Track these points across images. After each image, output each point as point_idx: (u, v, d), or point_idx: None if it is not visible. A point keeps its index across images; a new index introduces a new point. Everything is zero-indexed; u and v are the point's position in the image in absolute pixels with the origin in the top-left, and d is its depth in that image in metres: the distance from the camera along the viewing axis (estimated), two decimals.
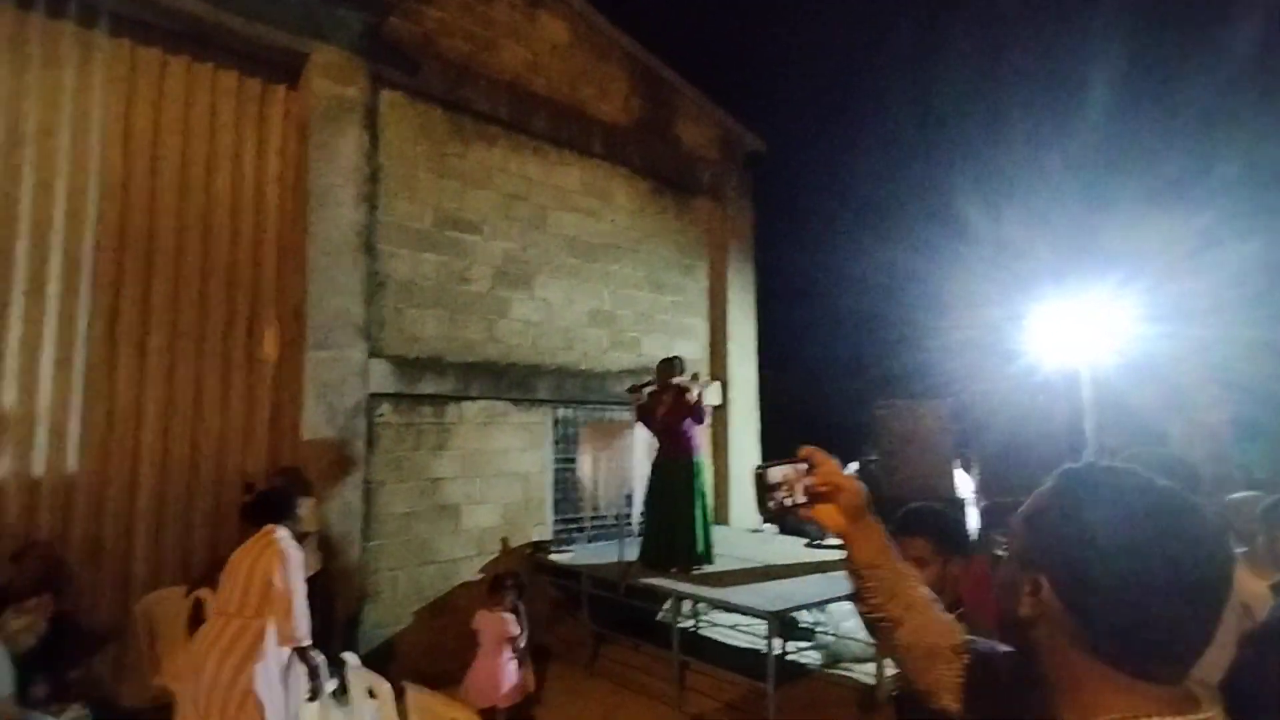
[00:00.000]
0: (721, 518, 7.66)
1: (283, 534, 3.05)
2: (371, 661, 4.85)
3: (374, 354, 5.28)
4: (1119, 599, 0.75)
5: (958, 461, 5.73)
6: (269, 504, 3.28)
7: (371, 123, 5.43)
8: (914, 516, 2.15)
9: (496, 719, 4.26)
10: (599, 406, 6.86)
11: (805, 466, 1.16)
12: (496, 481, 6.01)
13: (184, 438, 4.73)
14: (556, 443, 6.51)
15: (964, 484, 5.92)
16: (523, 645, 4.49)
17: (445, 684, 5.12)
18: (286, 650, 3.13)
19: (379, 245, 5.42)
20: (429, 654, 5.39)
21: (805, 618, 5.89)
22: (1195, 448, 7.64)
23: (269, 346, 5.05)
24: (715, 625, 6.10)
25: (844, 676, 5.26)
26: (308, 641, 3.05)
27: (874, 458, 5.41)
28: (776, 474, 1.15)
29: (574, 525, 6.57)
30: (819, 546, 6.96)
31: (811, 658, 5.63)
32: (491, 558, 5.90)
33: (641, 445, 5.34)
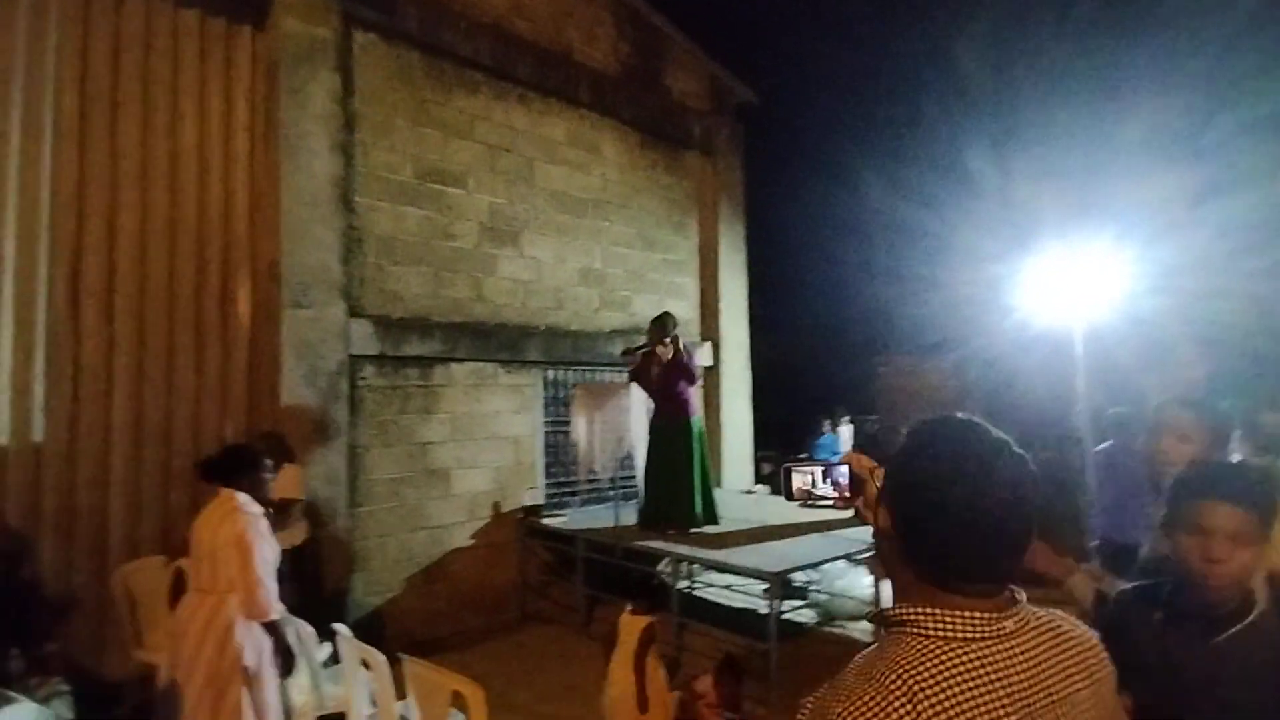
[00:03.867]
0: (714, 479, 7.59)
1: (242, 500, 2.83)
2: (362, 631, 4.72)
3: (355, 314, 5.04)
4: (929, 529, 0.90)
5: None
6: (228, 461, 3.00)
7: (345, 66, 5.10)
8: None
9: None
10: (591, 368, 6.69)
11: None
12: (487, 445, 5.85)
13: (157, 402, 4.50)
14: (548, 405, 6.35)
15: None
16: None
17: (440, 651, 5.05)
18: None
19: (357, 198, 5.14)
20: (423, 622, 5.30)
21: (799, 577, 5.87)
22: None
23: (243, 305, 4.79)
24: (710, 586, 6.06)
25: (839, 634, 5.25)
26: (275, 615, 2.85)
27: (875, 419, 5.31)
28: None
29: (567, 489, 6.45)
30: (812, 506, 6.92)
31: (806, 616, 5.62)
32: (483, 523, 5.77)
33: (639, 406, 5.19)
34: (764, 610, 4.61)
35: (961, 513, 0.87)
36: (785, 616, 5.44)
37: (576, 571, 5.49)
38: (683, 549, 4.93)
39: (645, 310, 6.91)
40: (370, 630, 4.83)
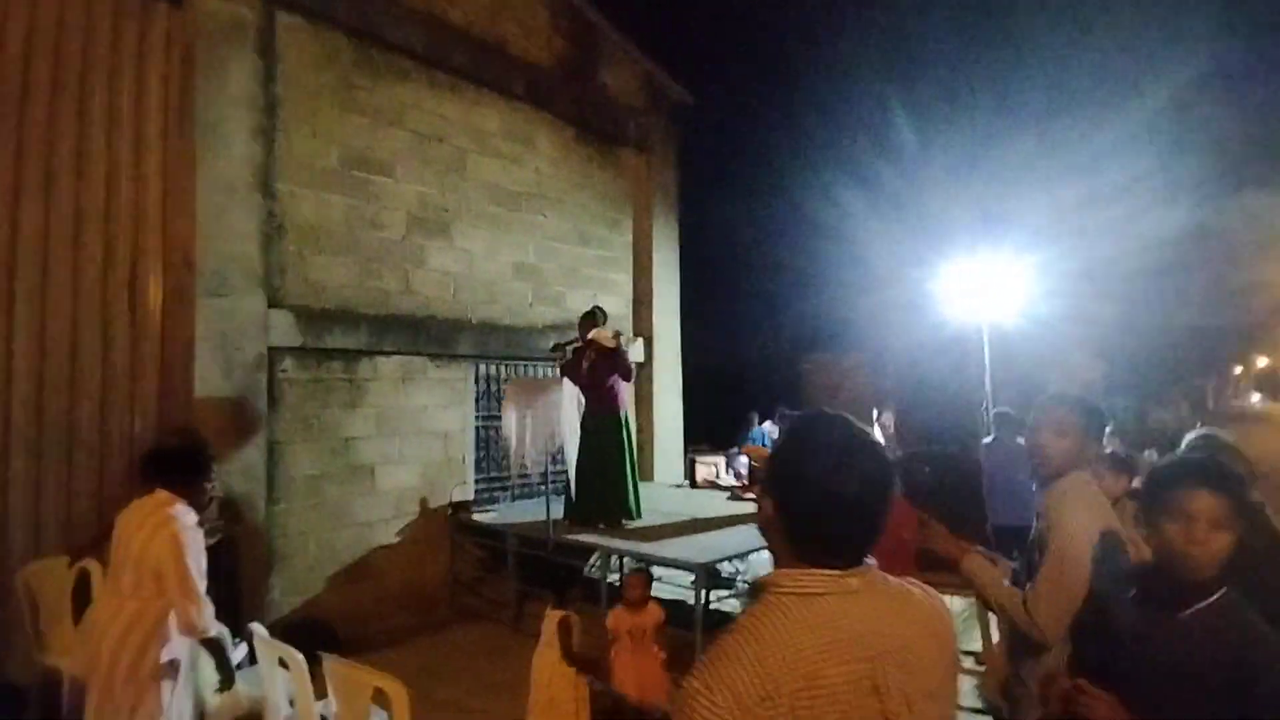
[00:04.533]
0: (646, 474, 7.68)
1: (179, 509, 2.65)
2: (282, 631, 4.60)
3: (275, 304, 4.87)
4: (800, 512, 1.03)
5: (877, 413, 5.93)
6: (178, 462, 2.72)
7: (267, 48, 4.90)
8: None
9: None
10: (525, 362, 6.67)
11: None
12: (415, 440, 5.75)
13: (60, 394, 4.23)
14: (479, 399, 6.29)
15: (883, 434, 6.15)
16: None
17: (366, 650, 4.94)
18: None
19: (278, 184, 4.95)
20: (348, 620, 5.17)
21: (727, 567, 6.02)
22: None
23: (154, 294, 4.55)
24: None
25: None
26: (213, 631, 2.69)
27: (798, 414, 5.52)
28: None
29: (498, 484, 6.41)
30: (740, 499, 7.12)
31: (732, 605, 5.77)
32: (411, 519, 5.68)
33: (570, 401, 5.21)
34: (692, 601, 4.71)
35: (826, 497, 1.00)
36: (713, 606, 5.58)
37: (507, 567, 5.47)
38: (614, 542, 4.98)
39: (579, 306, 6.91)
40: (290, 630, 4.68)
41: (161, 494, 2.67)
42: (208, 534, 4.10)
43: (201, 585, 2.66)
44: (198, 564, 2.64)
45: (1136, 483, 3.88)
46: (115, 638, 2.57)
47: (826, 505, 1.00)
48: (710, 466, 7.60)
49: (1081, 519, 1.85)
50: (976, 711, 3.93)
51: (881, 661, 0.97)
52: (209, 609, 2.68)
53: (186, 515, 2.67)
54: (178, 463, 2.75)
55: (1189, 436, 2.77)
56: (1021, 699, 1.98)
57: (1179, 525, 1.48)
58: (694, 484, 7.26)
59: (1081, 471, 1.95)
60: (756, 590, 1.05)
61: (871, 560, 1.05)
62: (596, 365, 5.35)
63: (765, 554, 5.91)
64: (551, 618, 3.39)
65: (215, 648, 2.76)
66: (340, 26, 5.33)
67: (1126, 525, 3.12)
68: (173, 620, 2.63)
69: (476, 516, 5.80)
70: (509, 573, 5.44)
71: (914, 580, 1.12)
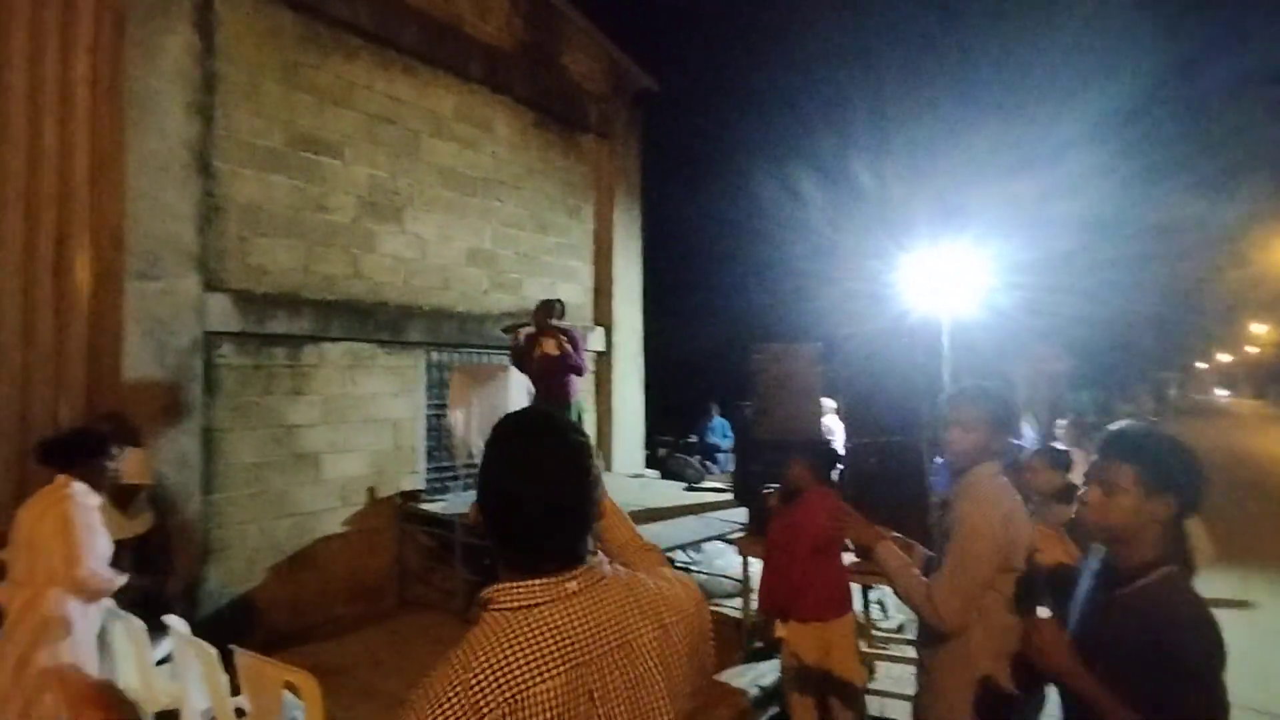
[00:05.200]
0: (604, 464, 7.65)
1: (77, 489, 2.59)
2: (219, 622, 4.50)
3: (212, 287, 4.71)
4: (499, 520, 0.99)
5: (828, 404, 5.94)
6: (69, 444, 2.76)
7: (205, 21, 4.72)
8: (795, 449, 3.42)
9: None
10: (479, 351, 6.56)
11: None
12: (363, 428, 5.64)
13: None
14: (431, 388, 6.18)
15: (834, 425, 6.17)
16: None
17: (309, 641, 4.86)
18: (96, 613, 2.76)
19: (216, 163, 4.78)
20: (290, 612, 5.07)
21: (681, 556, 6.02)
22: (1037, 393, 8.38)
23: (81, 275, 4.38)
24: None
25: (716, 613, 5.43)
26: (110, 583, 2.66)
27: (748, 405, 5.51)
28: None
29: (449, 474, 6.32)
30: (696, 489, 7.12)
31: None
32: (358, 509, 5.57)
33: (517, 390, 5.14)
34: None
35: (509, 498, 0.98)
36: None
37: (456, 556, 5.40)
38: None
39: (537, 293, 6.84)
40: (229, 622, 4.58)
41: (60, 478, 2.63)
42: (136, 524, 4.01)
43: (92, 556, 2.59)
44: (90, 533, 2.59)
45: (1075, 476, 3.93)
46: (8, 629, 2.48)
47: (512, 506, 0.97)
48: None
49: (984, 509, 1.85)
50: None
51: (599, 664, 0.94)
52: (102, 567, 2.63)
53: (85, 494, 2.64)
54: (72, 446, 2.74)
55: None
56: (924, 687, 1.98)
57: (1091, 488, 1.55)
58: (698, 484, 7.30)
59: (990, 463, 1.95)
60: (479, 608, 0.99)
61: (599, 556, 1.03)
62: (545, 359, 5.31)
63: (719, 543, 5.93)
64: None
65: (127, 589, 2.72)
66: (283, 1, 5.15)
67: (1054, 525, 3.14)
68: (70, 608, 2.54)
69: (425, 505, 5.72)
70: (457, 562, 5.38)
71: (644, 573, 1.10)
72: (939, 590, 1.84)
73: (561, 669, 0.91)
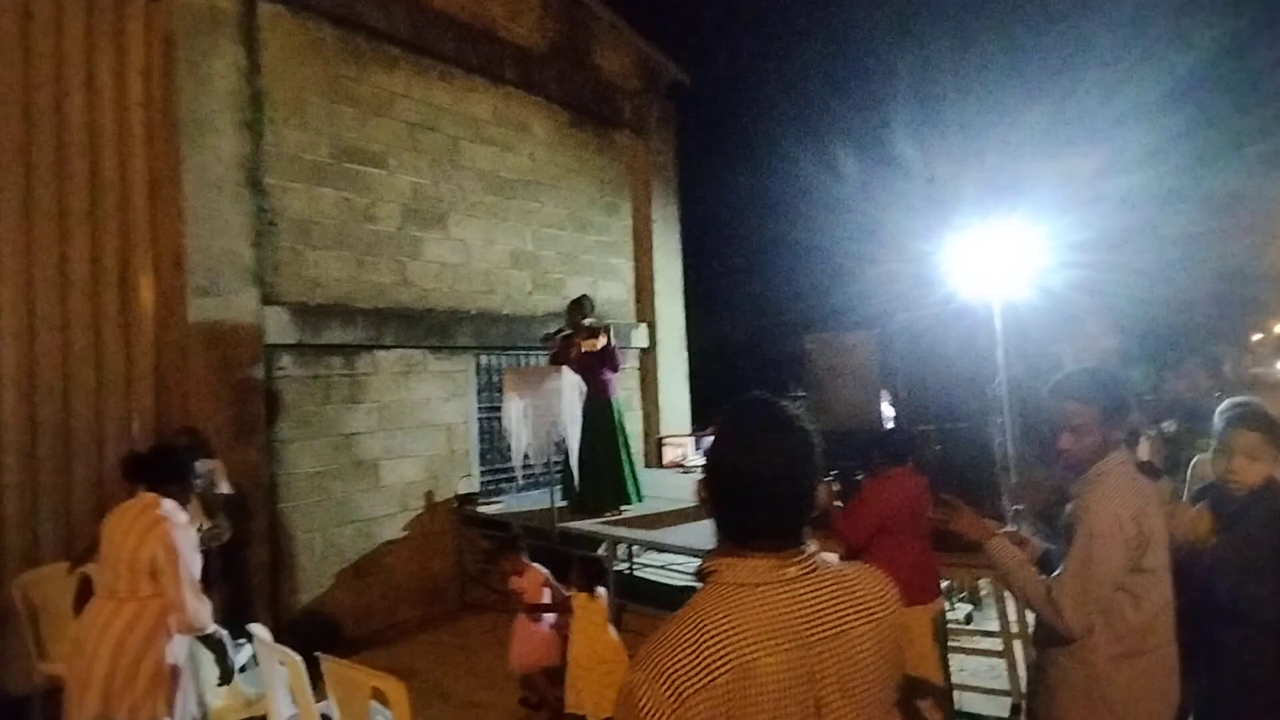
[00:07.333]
0: (652, 459, 7.62)
1: (168, 507, 2.64)
2: (292, 630, 4.59)
3: (269, 301, 4.81)
4: (724, 497, 1.05)
5: (884, 392, 5.82)
6: (158, 463, 2.76)
7: (250, 39, 4.80)
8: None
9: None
10: (526, 352, 6.59)
11: None
12: (418, 434, 5.70)
13: (52, 400, 4.19)
14: (481, 391, 6.23)
15: (890, 414, 6.04)
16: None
17: (375, 647, 4.93)
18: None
19: (267, 179, 4.87)
20: (356, 617, 5.16)
21: None
22: None
23: (146, 295, 4.50)
24: (647, 566, 6.09)
25: None
26: (210, 629, 2.70)
27: (802, 395, 5.43)
28: None
29: (504, 475, 6.35)
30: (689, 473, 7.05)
31: None
32: (416, 513, 5.64)
33: (571, 388, 5.13)
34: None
35: (740, 476, 1.03)
36: None
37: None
38: (618, 531, 4.93)
39: (579, 292, 6.83)
40: (300, 629, 4.67)
41: (147, 495, 2.67)
42: (212, 537, 4.11)
43: (196, 583, 2.65)
44: (192, 561, 2.64)
45: (1146, 454, 3.75)
46: (114, 640, 2.54)
47: (742, 485, 1.02)
48: (679, 449, 7.55)
49: (1113, 506, 1.72)
50: (991, 693, 3.85)
51: (818, 648, 0.98)
52: (206, 606, 2.69)
53: (176, 514, 2.67)
54: (157, 464, 2.76)
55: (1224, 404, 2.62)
56: (1040, 687, 1.89)
57: (1222, 459, 2.14)
58: (662, 466, 7.29)
59: (1117, 453, 1.81)
60: (701, 577, 1.05)
61: (812, 544, 1.06)
62: (584, 356, 5.33)
63: None
64: (581, 600, 3.67)
65: (214, 644, 2.77)
66: (323, 15, 5.22)
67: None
68: (172, 621, 2.61)
69: (481, 508, 5.76)
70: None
71: (854, 567, 1.13)
72: (1061, 591, 1.71)
73: (787, 647, 0.95)
